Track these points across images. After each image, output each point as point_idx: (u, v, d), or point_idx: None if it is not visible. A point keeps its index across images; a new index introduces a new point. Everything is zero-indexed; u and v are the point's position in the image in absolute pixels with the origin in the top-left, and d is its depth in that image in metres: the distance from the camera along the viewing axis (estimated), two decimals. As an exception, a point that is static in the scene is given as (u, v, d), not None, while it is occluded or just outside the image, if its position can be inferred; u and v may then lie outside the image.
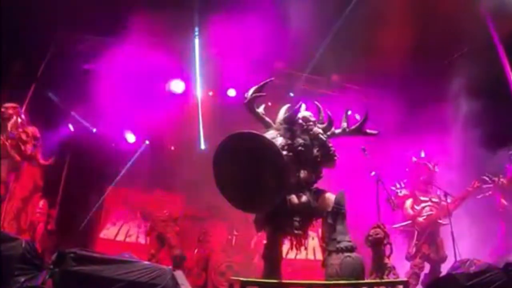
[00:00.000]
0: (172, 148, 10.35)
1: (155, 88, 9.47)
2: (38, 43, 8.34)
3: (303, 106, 4.99)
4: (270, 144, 4.25)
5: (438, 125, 8.24)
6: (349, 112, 5.12)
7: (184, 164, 9.73)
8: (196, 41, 8.92)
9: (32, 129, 6.83)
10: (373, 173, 5.88)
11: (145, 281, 3.55)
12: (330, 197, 4.61)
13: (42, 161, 7.28)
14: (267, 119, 4.94)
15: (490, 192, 7.43)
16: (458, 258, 5.67)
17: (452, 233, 5.96)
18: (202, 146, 9.72)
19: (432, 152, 7.48)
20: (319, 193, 4.68)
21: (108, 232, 9.92)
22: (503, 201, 7.38)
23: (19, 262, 3.82)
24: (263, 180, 4.12)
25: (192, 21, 8.88)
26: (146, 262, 3.89)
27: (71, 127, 9.63)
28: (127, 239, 9.93)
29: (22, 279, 3.78)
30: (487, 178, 7.28)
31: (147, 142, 10.27)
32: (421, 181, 7.32)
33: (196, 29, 8.73)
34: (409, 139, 8.06)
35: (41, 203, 8.68)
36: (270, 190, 4.13)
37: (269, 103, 4.99)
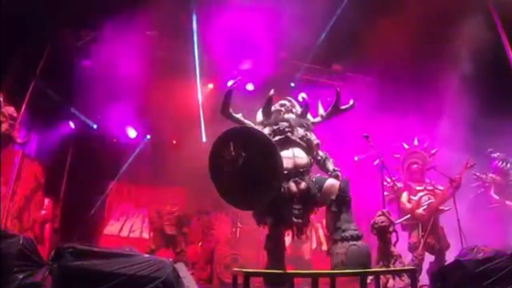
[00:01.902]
0: (174, 142, 10.27)
1: (155, 81, 9.34)
2: (37, 39, 8.25)
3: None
4: (257, 132, 4.21)
5: (438, 114, 8.12)
6: (351, 102, 5.04)
7: (187, 157, 9.68)
8: (196, 32, 8.75)
9: (8, 109, 6.71)
10: (376, 161, 5.74)
11: (146, 275, 3.47)
12: (334, 184, 4.48)
13: (19, 140, 7.18)
14: (246, 121, 4.83)
15: (482, 190, 7.37)
16: (464, 245, 5.56)
17: (458, 220, 5.83)
18: (204, 139, 9.61)
19: (428, 140, 7.20)
20: (322, 180, 4.54)
21: (111, 228, 9.93)
22: (495, 195, 7.29)
23: (17, 259, 3.75)
24: (257, 172, 3.98)
25: (191, 12, 8.74)
26: (147, 255, 3.82)
27: (71, 124, 9.58)
28: (131, 235, 9.93)
29: (21, 276, 3.72)
30: (475, 176, 7.18)
31: (148, 136, 10.20)
32: (415, 170, 7.01)
33: (195, 19, 8.55)
34: (408, 126, 7.93)
35: (46, 201, 8.68)
36: (266, 180, 4.00)
37: (271, 92, 4.86)
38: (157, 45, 9.00)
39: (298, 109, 4.99)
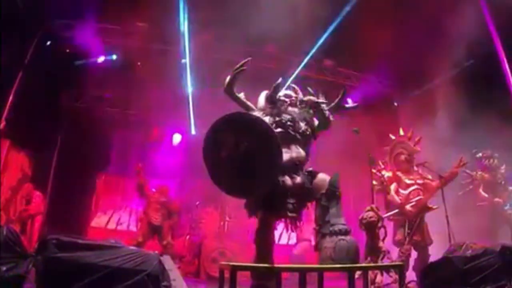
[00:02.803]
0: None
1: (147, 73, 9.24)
2: (26, 29, 8.13)
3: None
4: (258, 121, 4.07)
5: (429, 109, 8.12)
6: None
7: (176, 150, 9.62)
8: (186, 23, 8.65)
9: None
10: (369, 155, 5.64)
11: (131, 267, 3.43)
12: (325, 178, 4.44)
13: None
14: (249, 103, 4.79)
15: (471, 187, 7.34)
16: (452, 242, 5.56)
17: (446, 216, 5.82)
18: (193, 132, 9.53)
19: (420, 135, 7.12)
20: (314, 174, 4.51)
21: (99, 220, 9.85)
22: (484, 193, 7.29)
23: (1, 251, 3.68)
24: (255, 160, 3.89)
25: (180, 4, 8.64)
26: (132, 248, 3.76)
27: (60, 114, 9.44)
28: (118, 227, 9.86)
29: (4, 268, 3.66)
30: (465, 174, 7.10)
31: None
32: (402, 160, 6.84)
33: (183, 9, 8.44)
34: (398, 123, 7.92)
35: (36, 194, 8.57)
36: (263, 169, 3.91)
37: (279, 80, 4.80)
38: (146, 36, 8.86)
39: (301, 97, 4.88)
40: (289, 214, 4.32)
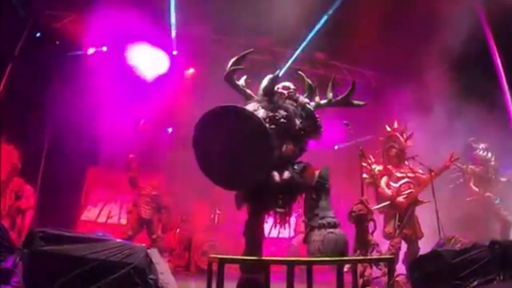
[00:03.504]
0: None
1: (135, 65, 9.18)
2: (16, 20, 8.05)
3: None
4: (251, 116, 4.02)
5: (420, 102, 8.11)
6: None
7: (165, 143, 9.57)
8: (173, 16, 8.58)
9: None
10: (361, 148, 5.62)
11: (117, 260, 3.38)
12: (314, 171, 4.43)
13: None
14: (248, 91, 4.73)
15: (461, 180, 7.34)
16: (441, 236, 5.59)
17: (436, 210, 5.83)
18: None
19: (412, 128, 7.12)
20: (304, 167, 4.47)
21: (89, 213, 9.80)
22: (474, 187, 7.31)
23: (-13, 246, 3.65)
24: (246, 155, 3.89)
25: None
26: (119, 240, 3.73)
27: (50, 106, 9.35)
28: (109, 221, 9.81)
29: (-10, 263, 3.63)
30: (455, 167, 7.03)
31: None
32: (393, 155, 6.86)
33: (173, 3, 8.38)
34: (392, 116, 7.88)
35: (27, 188, 8.48)
36: (254, 165, 3.90)
37: (278, 71, 4.79)
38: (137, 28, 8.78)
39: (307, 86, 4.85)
40: (278, 210, 4.31)
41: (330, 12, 8.35)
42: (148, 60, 9.11)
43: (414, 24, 7.92)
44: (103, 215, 9.85)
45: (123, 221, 9.56)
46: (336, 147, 8.89)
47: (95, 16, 8.51)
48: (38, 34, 8.63)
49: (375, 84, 9.37)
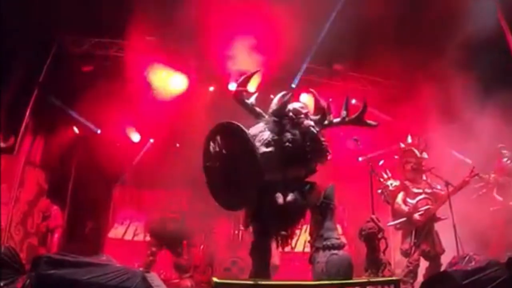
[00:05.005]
0: (177, 145, 10.29)
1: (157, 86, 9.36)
2: (39, 46, 8.36)
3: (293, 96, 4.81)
4: (243, 134, 4.04)
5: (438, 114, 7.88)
6: (353, 101, 4.86)
7: (189, 160, 9.65)
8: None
9: None
10: (370, 164, 5.55)
11: (115, 284, 3.53)
12: (320, 191, 4.38)
13: (2, 144, 7.30)
14: (258, 109, 4.68)
15: (484, 190, 7.02)
16: (460, 252, 5.38)
17: (454, 226, 5.63)
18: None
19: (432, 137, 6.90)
20: (309, 187, 4.42)
21: (116, 231, 10.01)
22: (498, 197, 6.98)
23: None
24: (238, 173, 3.97)
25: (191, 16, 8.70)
26: (119, 265, 3.81)
27: (75, 129, 9.68)
28: (135, 238, 9.98)
29: (2, 283, 3.83)
30: (477, 178, 6.68)
31: (151, 140, 10.24)
32: (409, 170, 6.68)
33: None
34: (408, 128, 7.69)
35: (54, 208, 8.79)
36: (245, 185, 3.95)
37: (271, 96, 4.76)
38: (157, 49, 8.99)
39: (311, 114, 4.67)
40: (281, 233, 4.29)
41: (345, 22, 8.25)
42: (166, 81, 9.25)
43: (431, 30, 7.75)
44: (130, 233, 10.04)
45: (149, 238, 9.72)
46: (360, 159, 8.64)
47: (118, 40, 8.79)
48: (61, 59, 8.87)
49: (392, 92, 9.16)
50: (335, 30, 8.40)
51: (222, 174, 4.10)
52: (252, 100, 4.77)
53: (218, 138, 4.12)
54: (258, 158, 4.00)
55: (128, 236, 10.02)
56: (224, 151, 4.08)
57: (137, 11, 8.09)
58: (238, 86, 4.69)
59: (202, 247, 8.95)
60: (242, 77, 4.72)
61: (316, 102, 4.78)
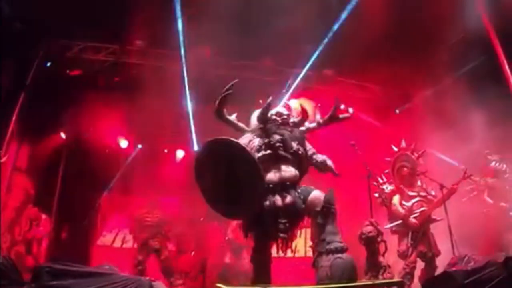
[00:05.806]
0: (166, 151, 10.22)
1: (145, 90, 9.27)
2: (26, 50, 8.21)
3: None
4: (238, 146, 4.17)
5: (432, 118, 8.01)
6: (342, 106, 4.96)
7: (179, 166, 9.61)
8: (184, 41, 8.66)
9: None
10: (368, 168, 5.58)
11: (121, 294, 3.42)
12: (320, 195, 4.38)
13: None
14: (240, 124, 4.84)
15: (475, 193, 7.16)
16: (456, 253, 5.46)
17: (449, 227, 5.72)
18: (196, 148, 9.53)
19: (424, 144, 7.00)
20: (308, 191, 4.45)
21: (104, 239, 9.89)
22: (489, 199, 7.12)
23: (-3, 278, 3.72)
24: (238, 182, 4.06)
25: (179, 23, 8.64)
26: (124, 275, 3.76)
27: (62, 135, 9.52)
28: (124, 245, 9.86)
29: (0, 295, 3.70)
30: (469, 180, 6.85)
31: (139, 146, 10.14)
32: (404, 173, 6.74)
33: (181, 27, 8.42)
34: (400, 133, 7.79)
35: (43, 217, 8.62)
36: (246, 194, 4.03)
37: (260, 101, 4.82)
38: (146, 55, 8.91)
39: (294, 117, 4.90)
40: (280, 235, 4.29)
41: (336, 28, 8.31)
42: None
43: (421, 38, 7.86)
44: (118, 240, 9.91)
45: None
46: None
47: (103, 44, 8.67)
48: (48, 64, 8.73)
49: (384, 98, 9.27)
50: (326, 35, 8.45)
51: (221, 188, 4.19)
52: (233, 116, 4.86)
53: (210, 154, 4.25)
54: (257, 163, 4.12)
55: (117, 244, 9.88)
56: (219, 166, 4.17)
57: (126, 15, 8.01)
58: (218, 102, 4.68)
59: (193, 253, 8.90)
60: (221, 93, 4.68)
61: (303, 110, 4.92)
